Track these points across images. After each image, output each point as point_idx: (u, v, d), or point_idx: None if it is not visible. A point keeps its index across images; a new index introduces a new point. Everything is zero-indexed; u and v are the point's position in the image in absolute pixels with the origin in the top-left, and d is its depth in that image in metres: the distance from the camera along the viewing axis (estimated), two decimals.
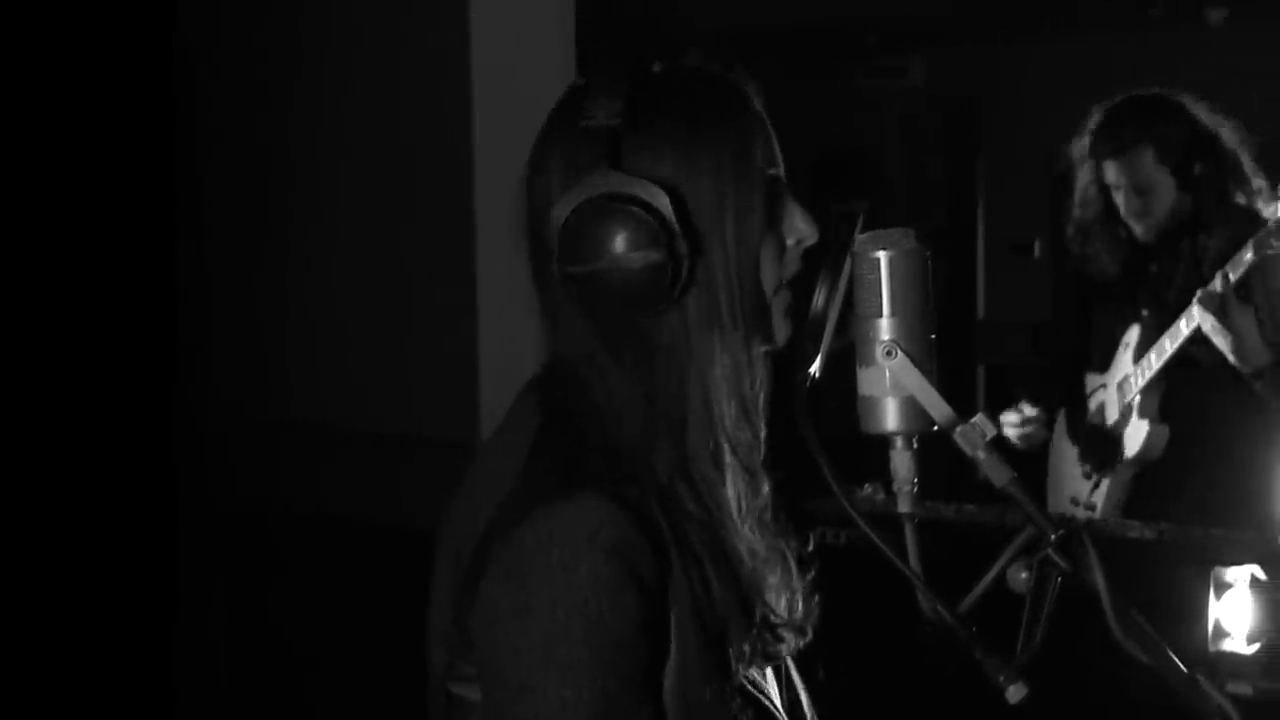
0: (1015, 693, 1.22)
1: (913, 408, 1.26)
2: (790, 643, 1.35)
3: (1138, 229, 3.27)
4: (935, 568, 1.24)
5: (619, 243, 1.23)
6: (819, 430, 1.26)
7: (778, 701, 1.36)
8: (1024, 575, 1.25)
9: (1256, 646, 2.42)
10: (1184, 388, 3.24)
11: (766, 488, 1.34)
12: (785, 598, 1.35)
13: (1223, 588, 2.44)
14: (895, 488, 1.28)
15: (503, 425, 1.34)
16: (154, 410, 3.66)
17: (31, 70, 3.37)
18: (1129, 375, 3.31)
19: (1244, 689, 2.38)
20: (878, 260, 1.27)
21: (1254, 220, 3.06)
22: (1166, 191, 3.21)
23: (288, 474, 3.64)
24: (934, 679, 2.09)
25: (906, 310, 1.27)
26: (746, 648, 1.28)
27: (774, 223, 1.31)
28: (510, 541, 1.20)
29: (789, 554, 1.36)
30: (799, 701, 1.41)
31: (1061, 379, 3.56)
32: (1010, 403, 3.56)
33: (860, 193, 6.16)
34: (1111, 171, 3.26)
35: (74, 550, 3.45)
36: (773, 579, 1.34)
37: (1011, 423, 3.49)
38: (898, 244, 1.27)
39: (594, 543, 1.18)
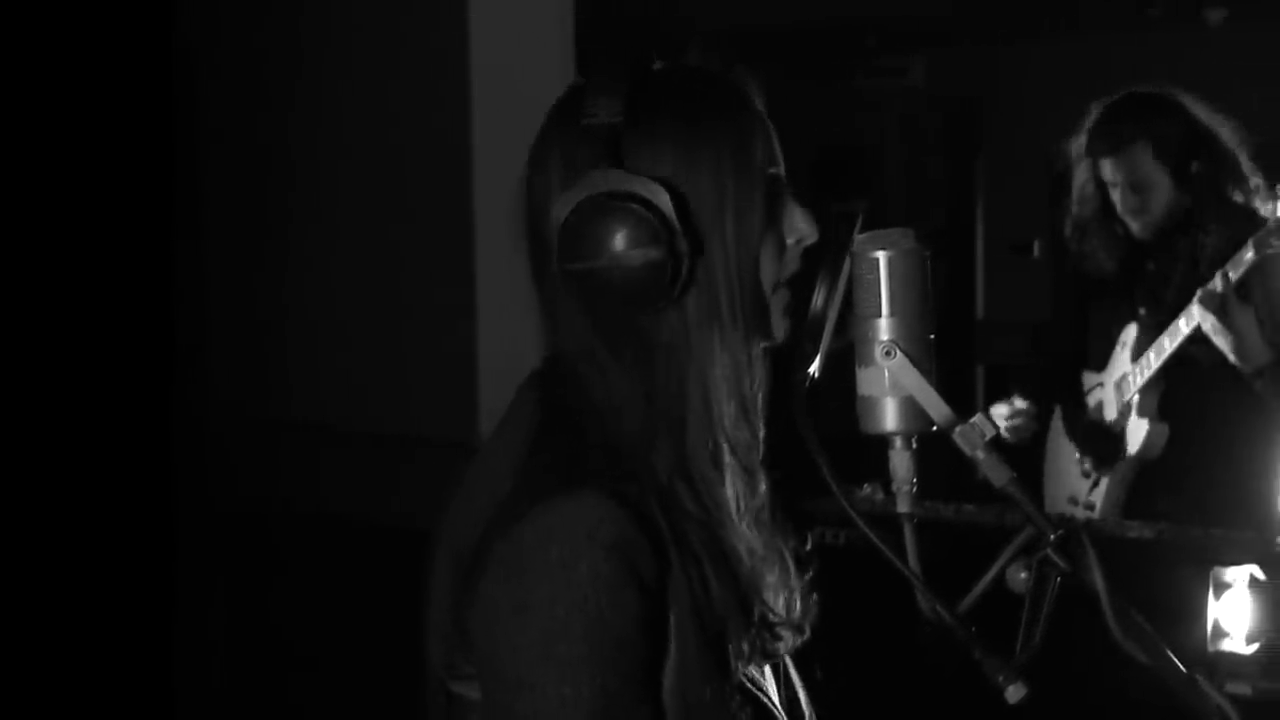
0: (1014, 693, 1.22)
1: (912, 408, 1.27)
2: (788, 641, 1.35)
3: (1135, 226, 3.27)
4: (934, 568, 1.24)
5: (619, 240, 1.23)
6: (818, 430, 1.27)
7: (776, 700, 1.36)
8: (1023, 575, 1.25)
9: (1255, 646, 2.42)
10: (1183, 387, 3.24)
11: (764, 487, 1.34)
12: (783, 596, 1.35)
13: (1222, 588, 2.44)
14: (894, 488, 1.29)
15: (502, 422, 1.34)
16: (153, 410, 3.65)
17: (31, 70, 3.37)
18: (1127, 374, 3.31)
19: (1243, 689, 2.38)
20: (877, 260, 1.27)
21: (1251, 219, 3.06)
22: (1163, 189, 3.21)
23: (287, 474, 3.63)
24: (933, 679, 2.09)
25: (905, 310, 1.27)
26: (745, 646, 1.28)
27: (774, 221, 1.31)
28: (510, 539, 1.20)
29: (787, 553, 1.37)
30: (797, 700, 1.41)
31: (1060, 377, 3.56)
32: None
33: (860, 193, 6.17)
34: (1108, 168, 3.26)
35: (73, 550, 3.45)
36: (771, 578, 1.34)
37: (1001, 415, 3.48)
38: (897, 244, 1.27)
39: (593, 540, 1.18)
